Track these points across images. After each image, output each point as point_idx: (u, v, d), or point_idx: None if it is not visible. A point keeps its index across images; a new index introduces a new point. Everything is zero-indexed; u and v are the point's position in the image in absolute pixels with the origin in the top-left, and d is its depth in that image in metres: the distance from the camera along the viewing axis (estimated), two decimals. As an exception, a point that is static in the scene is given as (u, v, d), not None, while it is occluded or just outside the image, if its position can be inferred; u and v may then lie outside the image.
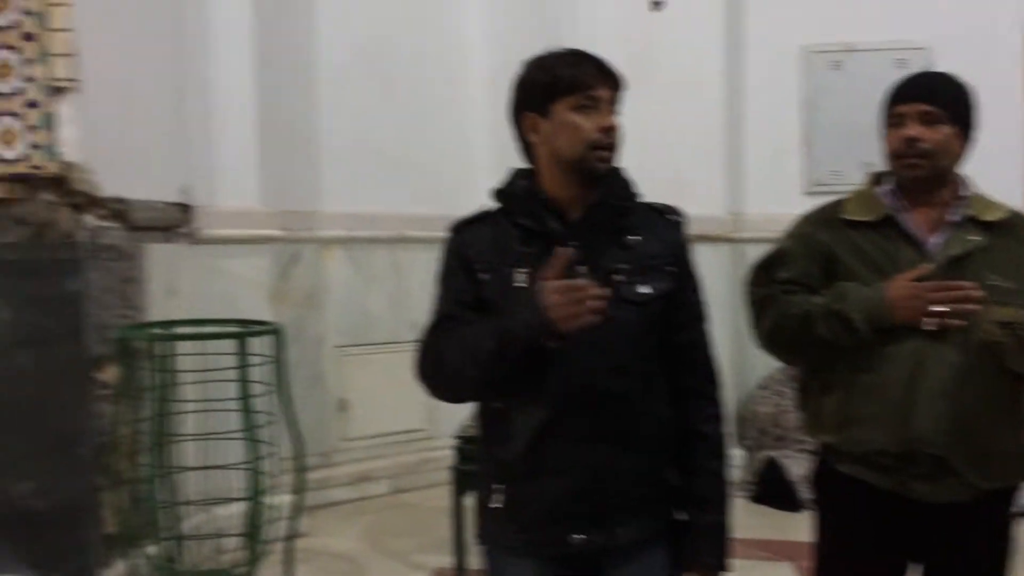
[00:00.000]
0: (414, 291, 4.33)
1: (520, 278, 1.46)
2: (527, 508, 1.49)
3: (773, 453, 4.13)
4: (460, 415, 2.71)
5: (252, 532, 2.93)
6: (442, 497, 3.40)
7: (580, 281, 1.35)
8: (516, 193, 1.54)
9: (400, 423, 4.39)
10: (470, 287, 1.51)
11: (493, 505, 1.53)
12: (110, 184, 3.02)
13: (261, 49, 3.76)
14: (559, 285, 1.34)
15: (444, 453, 4.34)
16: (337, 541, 3.73)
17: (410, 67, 4.41)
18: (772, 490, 4.04)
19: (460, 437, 2.95)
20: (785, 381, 4.18)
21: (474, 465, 2.83)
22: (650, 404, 1.51)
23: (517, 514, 1.51)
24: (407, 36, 4.39)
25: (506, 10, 4.54)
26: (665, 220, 1.57)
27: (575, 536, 1.47)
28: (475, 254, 1.52)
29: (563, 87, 1.47)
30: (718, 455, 1.57)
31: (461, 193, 4.23)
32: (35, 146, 2.89)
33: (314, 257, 4.16)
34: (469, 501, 3.04)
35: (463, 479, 2.93)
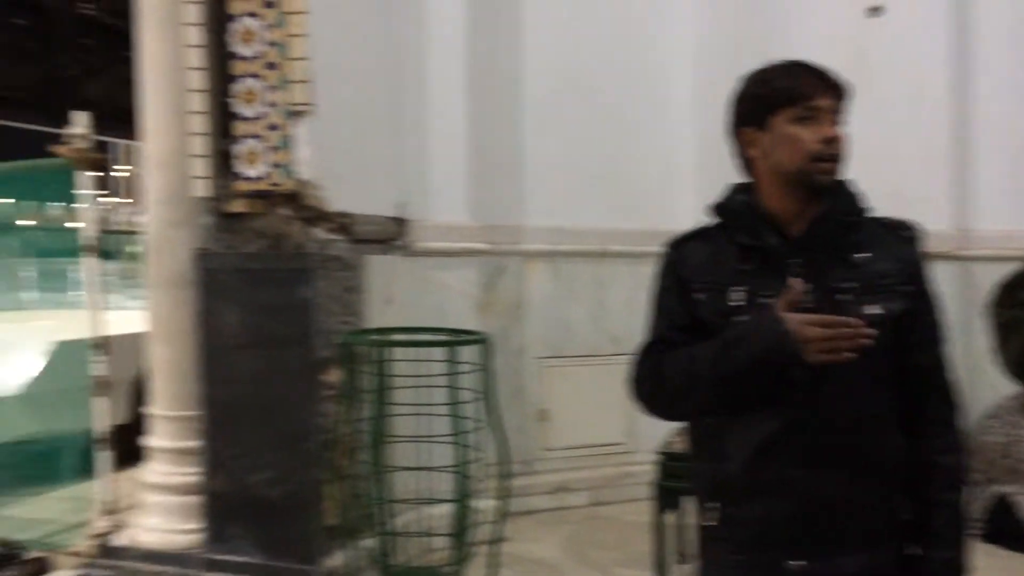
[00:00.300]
0: (615, 305, 4.35)
1: (737, 297, 1.44)
2: (743, 528, 1.46)
3: (1005, 489, 3.80)
4: (661, 430, 2.70)
5: (459, 533, 3.05)
6: (641, 512, 3.39)
7: (841, 318, 1.31)
8: (734, 208, 1.51)
9: (599, 435, 4.41)
10: (684, 308, 1.50)
11: (707, 523, 1.51)
12: (336, 200, 3.26)
13: (472, 73, 3.94)
14: (822, 319, 1.31)
15: (644, 468, 4.31)
16: (538, 548, 3.80)
17: (614, 82, 4.44)
18: (1003, 529, 3.72)
19: (663, 453, 2.93)
20: (1019, 409, 3.84)
21: (677, 482, 2.85)
22: (880, 429, 1.44)
23: (732, 533, 1.48)
24: (612, 52, 4.42)
25: (714, 23, 4.47)
26: (897, 236, 1.49)
27: (793, 562, 1.43)
28: (691, 272, 1.51)
29: (782, 99, 1.44)
30: (955, 487, 1.47)
31: (664, 208, 4.22)
32: (275, 165, 3.17)
33: (518, 270, 4.27)
34: (671, 518, 3.03)
35: (665, 496, 2.91)
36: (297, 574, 3.13)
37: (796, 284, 1.34)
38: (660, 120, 4.51)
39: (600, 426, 4.37)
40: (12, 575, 3.37)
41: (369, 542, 3.14)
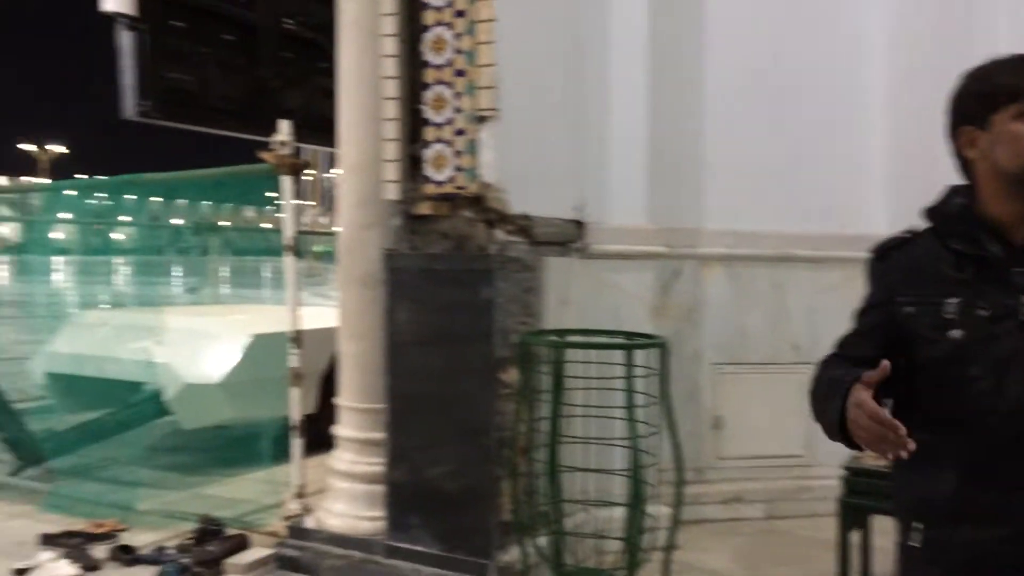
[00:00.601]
0: (796, 312, 4.21)
1: (951, 309, 1.36)
2: (950, 552, 1.39)
3: None
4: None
5: (631, 537, 3.05)
6: (821, 528, 3.26)
7: (890, 420, 1.24)
8: (951, 213, 1.43)
9: (776, 446, 4.27)
10: (881, 324, 1.44)
11: (910, 543, 1.44)
12: (517, 202, 3.34)
13: (653, 74, 3.93)
14: (867, 416, 1.25)
15: (824, 483, 4.14)
16: (710, 558, 3.73)
17: (800, 78, 4.27)
18: None
19: (849, 468, 2.81)
20: None
21: (865, 499, 2.73)
22: None
23: (939, 556, 1.40)
24: (798, 46, 4.25)
25: (909, 13, 4.23)
26: None
27: None
28: (898, 282, 1.44)
29: (1004, 96, 1.35)
30: None
31: (851, 211, 4.05)
32: (459, 169, 3.28)
33: (694, 274, 4.21)
34: (856, 537, 2.90)
35: (851, 513, 2.79)
36: (472, 566, 3.22)
37: (883, 368, 1.26)
38: (849, 117, 4.31)
39: (777, 436, 4.24)
40: (215, 549, 3.63)
41: (542, 540, 3.18)
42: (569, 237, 3.74)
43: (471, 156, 3.27)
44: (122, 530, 4.02)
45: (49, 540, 3.84)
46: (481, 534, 3.24)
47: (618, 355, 3.04)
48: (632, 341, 3.19)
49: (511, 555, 3.23)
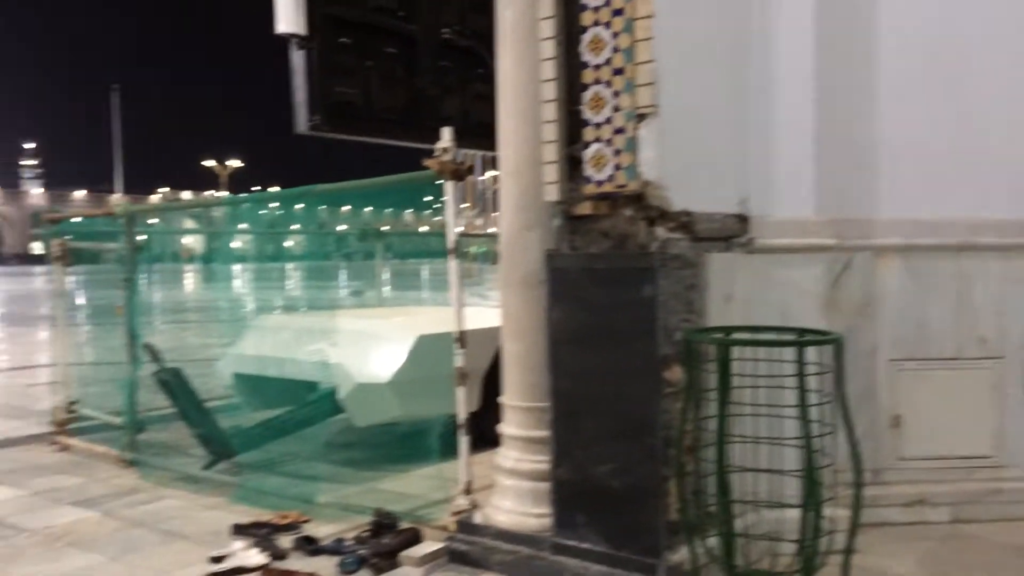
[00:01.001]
0: (983, 304, 3.94)
1: None
2: None
3: None
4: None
5: (807, 540, 2.94)
6: (1015, 533, 3.05)
7: None
8: None
9: (962, 446, 4.01)
10: None
11: None
12: (678, 199, 3.30)
13: (821, 57, 3.76)
14: None
15: (1017, 484, 3.89)
16: (893, 564, 3.54)
17: (982, 52, 3.96)
18: None
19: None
20: None
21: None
22: None
23: None
24: (978, 18, 3.95)
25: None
26: None
27: None
28: None
29: None
30: None
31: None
32: (619, 167, 3.28)
33: (868, 266, 4.00)
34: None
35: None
36: (641, 565, 3.21)
37: None
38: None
39: (963, 436, 3.98)
40: (390, 541, 3.78)
41: (712, 541, 3.13)
42: (733, 232, 3.66)
43: (631, 154, 3.25)
44: (305, 521, 4.25)
45: (240, 530, 4.10)
46: (649, 533, 3.23)
47: (788, 352, 2.95)
48: (803, 338, 3.08)
49: (680, 555, 3.20)
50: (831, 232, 3.86)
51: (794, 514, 3.04)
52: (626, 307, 3.28)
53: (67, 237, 6.84)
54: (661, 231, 3.29)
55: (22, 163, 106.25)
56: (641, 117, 3.23)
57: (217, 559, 3.70)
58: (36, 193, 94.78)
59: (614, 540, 3.31)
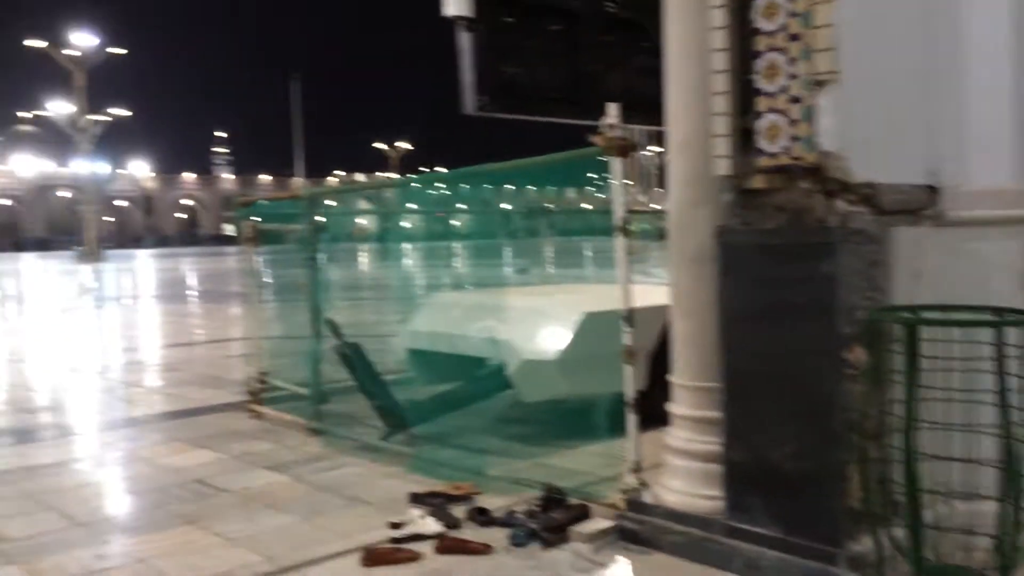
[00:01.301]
0: None
1: None
2: None
3: None
4: None
5: (1004, 535, 2.75)
6: None
7: None
8: None
9: None
10: None
11: None
12: (860, 169, 3.12)
13: (1019, 10, 3.44)
14: None
15: None
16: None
17: None
18: None
19: None
20: None
21: None
22: None
23: None
24: None
25: None
26: None
27: None
28: None
29: None
30: None
31: None
32: (795, 138, 3.14)
33: (1078, 238, 3.65)
34: None
35: None
36: (819, 553, 3.09)
37: None
38: None
39: None
40: (560, 517, 3.83)
41: (898, 532, 2.97)
42: (920, 204, 3.42)
43: (807, 124, 3.11)
44: (477, 493, 4.37)
45: (417, 499, 4.28)
46: (828, 521, 3.10)
47: (984, 333, 2.74)
48: (1003, 318, 2.85)
49: (862, 545, 3.05)
50: (1032, 202, 3.54)
51: (990, 507, 2.84)
52: (803, 284, 3.15)
53: (256, 219, 7.32)
54: (841, 204, 3.13)
55: (214, 150, 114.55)
56: (819, 85, 3.08)
57: (396, 525, 3.87)
58: (226, 178, 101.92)
59: (790, 526, 3.21)
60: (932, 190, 3.45)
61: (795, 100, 3.14)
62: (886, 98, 3.30)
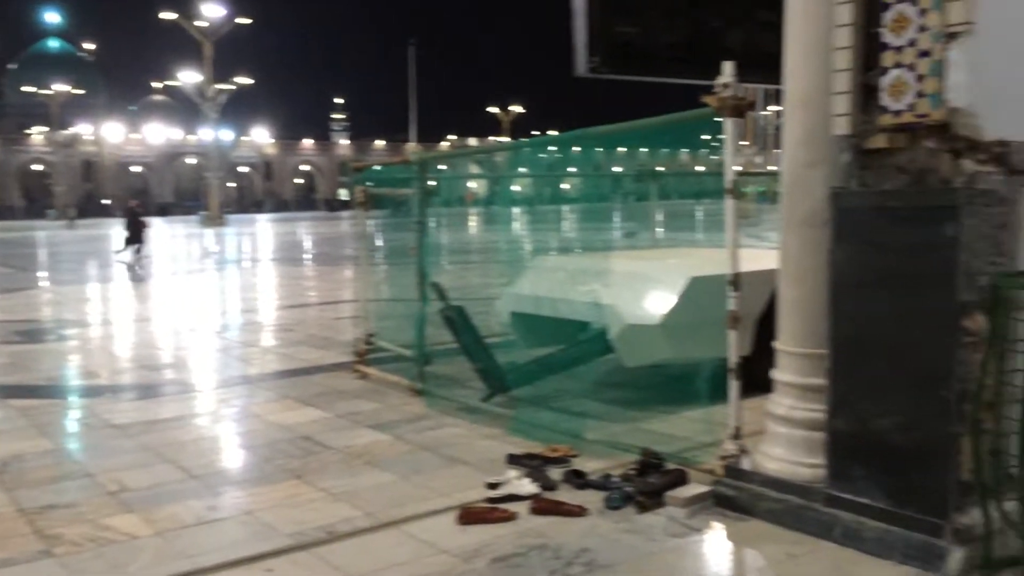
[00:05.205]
0: None
1: None
2: None
3: None
4: None
5: None
6: None
7: None
8: None
9: None
10: None
11: None
12: (994, 126, 2.94)
13: None
14: None
15: None
16: None
17: None
18: None
19: None
20: None
21: None
22: None
23: None
24: None
25: None
26: None
27: None
28: None
29: None
30: None
31: None
32: (921, 95, 2.98)
33: None
34: None
35: None
36: (925, 525, 2.98)
37: None
38: None
39: None
40: (656, 481, 3.80)
41: (1009, 505, 2.82)
42: (1056, 164, 3.20)
43: (936, 79, 2.94)
44: (574, 456, 4.38)
45: (514, 460, 4.32)
46: (935, 492, 2.98)
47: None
48: None
49: (970, 518, 2.92)
50: None
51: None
52: (923, 249, 3.01)
53: (368, 184, 7.47)
54: (969, 164, 2.96)
55: (332, 117, 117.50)
56: (951, 37, 2.90)
57: (493, 485, 3.92)
58: (343, 144, 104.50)
59: (895, 497, 3.09)
60: (1074, 149, 3.21)
61: (924, 54, 2.97)
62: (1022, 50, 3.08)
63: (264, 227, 47.88)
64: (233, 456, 4.93)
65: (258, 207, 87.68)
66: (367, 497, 3.95)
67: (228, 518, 3.80)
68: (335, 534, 3.53)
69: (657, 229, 8.69)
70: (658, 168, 8.79)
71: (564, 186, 9.56)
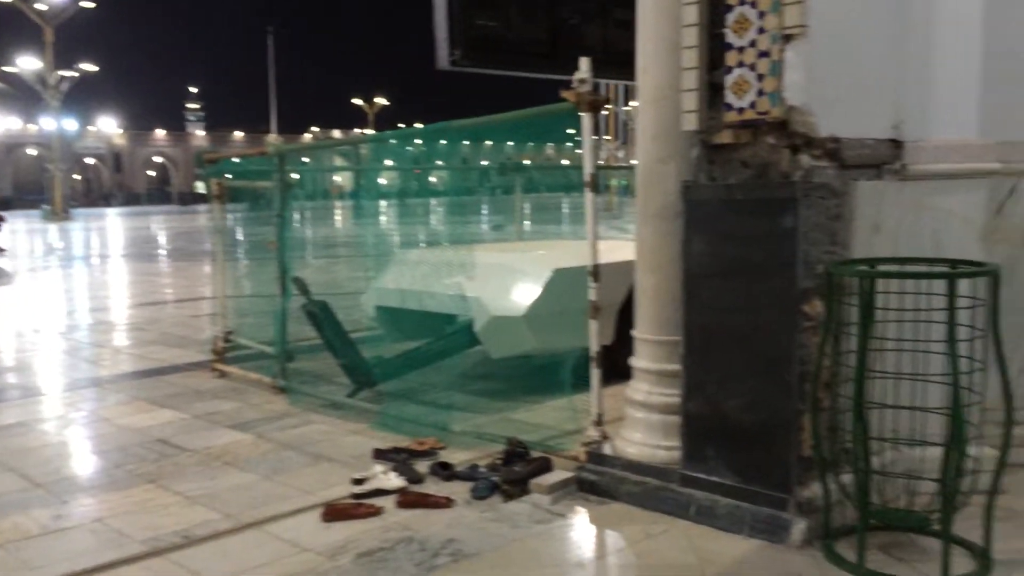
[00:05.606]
0: None
1: None
2: None
3: None
4: None
5: (948, 479, 2.81)
6: None
7: None
8: None
9: None
10: None
11: None
12: (826, 124, 3.13)
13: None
14: None
15: None
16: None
17: None
18: None
19: None
20: None
21: None
22: None
23: None
24: None
25: None
26: None
27: None
28: None
29: None
30: None
31: None
32: (762, 93, 3.14)
33: (1036, 192, 3.70)
34: None
35: None
36: (770, 500, 3.16)
37: None
38: None
39: None
40: (521, 470, 3.86)
41: (846, 478, 3.04)
42: (884, 159, 3.45)
43: (775, 78, 3.11)
44: (440, 448, 4.39)
45: (380, 454, 4.29)
46: (780, 468, 3.17)
47: (938, 286, 2.78)
48: (956, 270, 2.90)
49: (811, 491, 3.12)
50: (995, 155, 3.58)
51: (936, 453, 2.93)
52: (765, 239, 3.18)
53: (227, 176, 7.21)
54: (805, 159, 3.15)
55: (187, 106, 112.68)
56: (788, 38, 3.07)
57: (359, 481, 3.88)
58: (199, 135, 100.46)
59: (744, 474, 3.27)
60: (896, 144, 3.48)
61: (764, 54, 3.13)
62: (853, 52, 3.31)
63: (114, 222, 45.46)
64: (81, 462, 4.68)
65: (107, 201, 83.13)
66: (227, 499, 3.84)
67: (76, 527, 3.61)
68: (192, 538, 3.41)
69: (524, 222, 8.79)
70: (524, 161, 8.89)
71: (432, 179, 9.53)
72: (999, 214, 3.65)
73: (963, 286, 2.79)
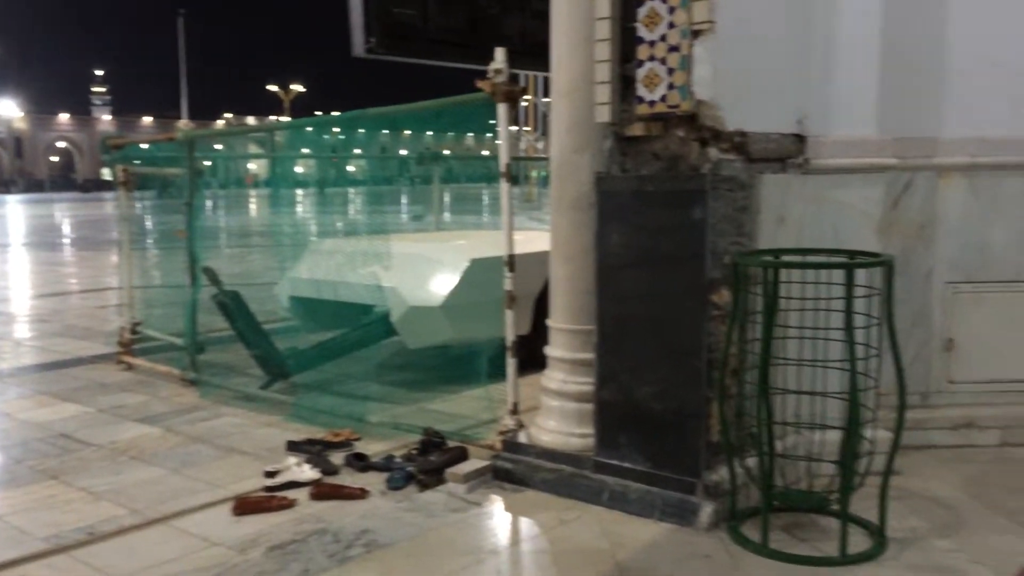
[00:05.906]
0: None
1: None
2: None
3: None
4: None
5: (846, 461, 2.94)
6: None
7: None
8: None
9: (1015, 370, 3.95)
10: None
11: None
12: (733, 118, 3.21)
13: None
14: None
15: (1073, 411, 3.78)
16: (934, 485, 3.54)
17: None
18: None
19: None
20: None
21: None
22: None
23: None
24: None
25: None
26: None
27: None
28: None
29: None
30: None
31: None
32: (672, 87, 3.20)
33: (929, 186, 3.87)
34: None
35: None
36: (679, 484, 3.24)
37: None
38: None
39: (1017, 359, 3.92)
40: (437, 459, 3.87)
41: (751, 462, 3.14)
42: (788, 153, 3.56)
43: (684, 73, 3.17)
44: (356, 439, 4.36)
45: (294, 446, 4.24)
46: (689, 453, 3.25)
47: (837, 275, 2.90)
48: (853, 260, 3.02)
49: (719, 475, 3.21)
50: (892, 151, 3.74)
51: (835, 436, 3.05)
52: (675, 230, 3.24)
53: (136, 162, 6.98)
54: (714, 152, 3.22)
55: (93, 90, 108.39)
56: (696, 34, 3.14)
57: (271, 473, 3.82)
58: (105, 120, 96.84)
59: (655, 460, 3.34)
60: (800, 139, 3.59)
61: (673, 49, 3.19)
62: (759, 48, 3.41)
63: (15, 209, 43.49)
64: (-22, 460, 4.49)
65: (7, 187, 79.50)
66: (133, 494, 3.74)
67: (-28, 526, 3.47)
68: (97, 535, 3.31)
69: (444, 212, 8.77)
70: (444, 151, 8.86)
71: (350, 168, 9.42)
72: (895, 208, 3.82)
73: (860, 276, 2.91)
